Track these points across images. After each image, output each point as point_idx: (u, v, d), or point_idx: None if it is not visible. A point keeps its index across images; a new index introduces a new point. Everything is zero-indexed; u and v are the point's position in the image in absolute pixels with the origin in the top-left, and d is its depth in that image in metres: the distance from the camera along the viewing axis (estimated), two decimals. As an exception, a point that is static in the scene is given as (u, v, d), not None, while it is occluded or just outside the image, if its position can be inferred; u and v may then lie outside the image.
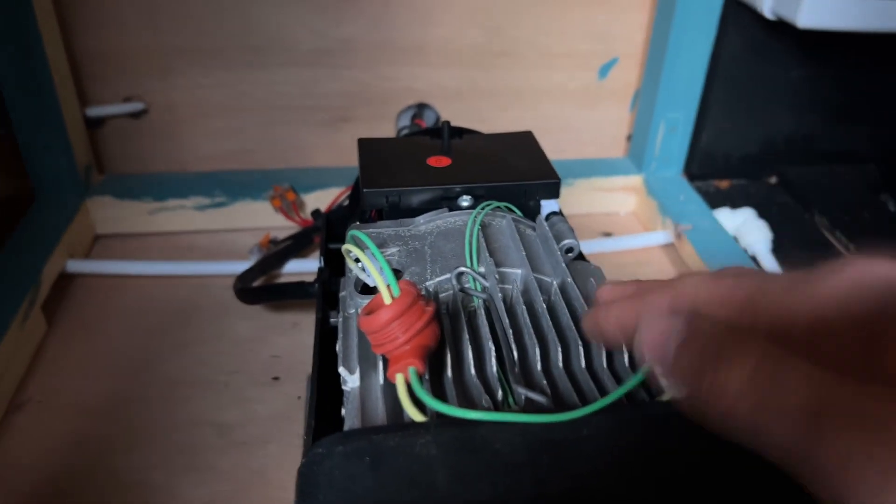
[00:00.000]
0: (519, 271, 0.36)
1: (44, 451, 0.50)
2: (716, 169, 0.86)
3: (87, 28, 0.70)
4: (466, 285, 0.36)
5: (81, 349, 0.60)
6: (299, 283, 0.61)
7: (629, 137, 0.86)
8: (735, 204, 0.80)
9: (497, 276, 0.35)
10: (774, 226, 0.75)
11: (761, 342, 0.21)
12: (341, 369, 0.32)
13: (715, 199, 0.82)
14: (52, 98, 0.67)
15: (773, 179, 0.88)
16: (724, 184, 0.87)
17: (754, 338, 0.21)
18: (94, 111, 0.74)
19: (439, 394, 0.30)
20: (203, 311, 0.64)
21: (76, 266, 0.68)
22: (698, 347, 0.22)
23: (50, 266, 0.64)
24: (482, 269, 0.36)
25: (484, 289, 0.35)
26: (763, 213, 0.77)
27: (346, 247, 0.34)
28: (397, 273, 0.37)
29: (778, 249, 0.74)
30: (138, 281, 0.68)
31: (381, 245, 0.39)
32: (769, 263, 0.71)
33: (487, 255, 0.36)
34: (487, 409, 0.28)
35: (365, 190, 0.42)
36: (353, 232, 0.36)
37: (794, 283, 0.22)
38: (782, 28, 0.73)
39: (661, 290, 0.26)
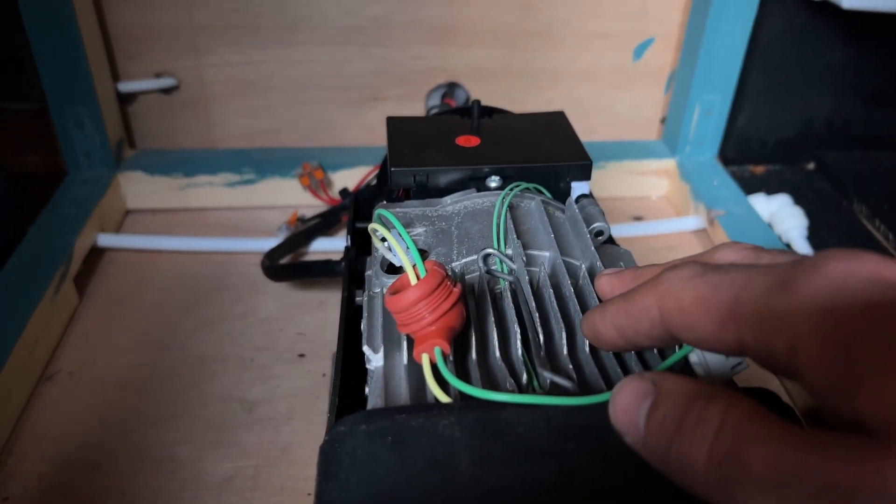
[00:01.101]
0: (547, 254, 0.36)
1: (73, 422, 0.51)
2: (751, 153, 0.84)
3: (120, 3, 0.70)
4: (493, 267, 0.35)
5: (111, 322, 0.61)
6: (326, 261, 0.61)
7: (663, 120, 0.85)
8: (770, 190, 0.78)
9: (524, 259, 0.35)
10: (811, 213, 0.74)
11: (722, 404, 0.21)
12: (365, 348, 0.32)
13: (750, 185, 0.80)
14: (85, 73, 0.68)
15: (811, 165, 0.86)
16: (759, 169, 0.85)
17: (715, 401, 0.21)
18: (126, 86, 0.74)
19: (463, 376, 0.29)
20: (231, 287, 0.65)
21: (107, 240, 0.69)
22: (662, 417, 0.22)
23: (81, 239, 0.64)
24: (509, 251, 0.35)
25: (511, 271, 0.35)
26: (799, 200, 0.76)
27: (372, 226, 0.34)
28: (423, 253, 0.36)
29: (814, 237, 0.72)
30: (167, 256, 0.69)
31: (408, 225, 0.38)
32: (804, 251, 0.70)
33: (515, 236, 0.35)
34: (511, 392, 0.28)
35: (392, 169, 0.41)
36: (379, 211, 0.35)
37: (777, 282, 0.21)
38: (824, 9, 0.71)
39: (648, 290, 0.25)
